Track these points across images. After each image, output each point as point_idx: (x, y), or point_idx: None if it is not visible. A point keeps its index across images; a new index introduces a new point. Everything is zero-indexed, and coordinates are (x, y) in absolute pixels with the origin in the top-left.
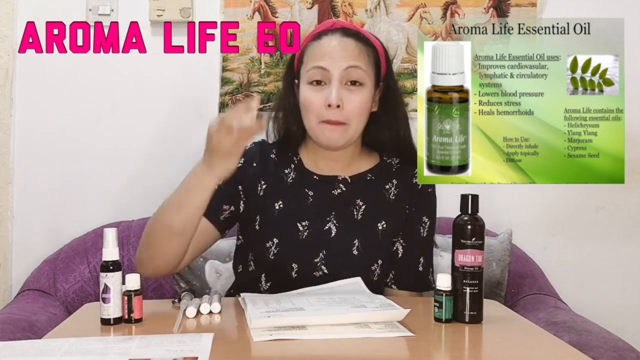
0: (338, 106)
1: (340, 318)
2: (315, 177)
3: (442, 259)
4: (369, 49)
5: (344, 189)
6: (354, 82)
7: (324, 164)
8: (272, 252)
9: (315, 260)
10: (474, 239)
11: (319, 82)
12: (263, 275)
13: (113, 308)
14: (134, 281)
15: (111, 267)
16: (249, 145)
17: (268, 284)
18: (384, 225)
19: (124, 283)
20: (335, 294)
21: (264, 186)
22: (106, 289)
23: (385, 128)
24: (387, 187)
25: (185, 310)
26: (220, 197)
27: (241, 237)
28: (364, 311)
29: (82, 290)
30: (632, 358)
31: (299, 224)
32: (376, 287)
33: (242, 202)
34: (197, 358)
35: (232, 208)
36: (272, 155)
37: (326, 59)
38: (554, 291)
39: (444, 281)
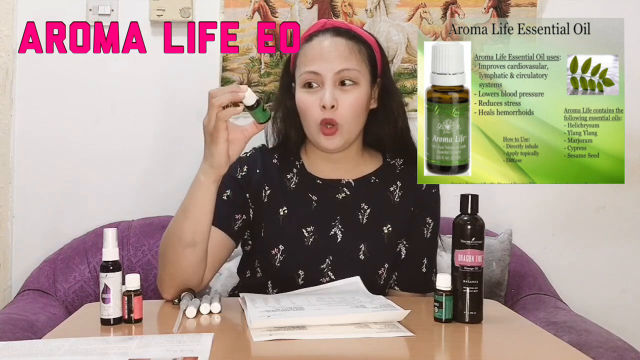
0: (333, 106)
1: (340, 318)
2: (318, 181)
3: (442, 259)
4: (361, 47)
5: (348, 192)
6: (348, 82)
7: (327, 167)
8: (277, 260)
9: (322, 266)
10: (474, 239)
11: (311, 85)
12: (269, 282)
13: (113, 308)
14: (134, 281)
15: (111, 267)
16: (249, 152)
17: (275, 291)
18: (390, 229)
19: (123, 283)
20: (335, 293)
21: (268, 192)
22: (106, 289)
23: (384, 123)
24: (392, 189)
25: (185, 310)
26: (231, 208)
27: (250, 242)
28: (364, 311)
29: (82, 290)
30: (632, 358)
31: (304, 230)
32: (382, 291)
33: (251, 210)
34: (197, 358)
35: (244, 217)
36: (275, 160)
37: (317, 62)
38: (554, 291)
39: (443, 281)
